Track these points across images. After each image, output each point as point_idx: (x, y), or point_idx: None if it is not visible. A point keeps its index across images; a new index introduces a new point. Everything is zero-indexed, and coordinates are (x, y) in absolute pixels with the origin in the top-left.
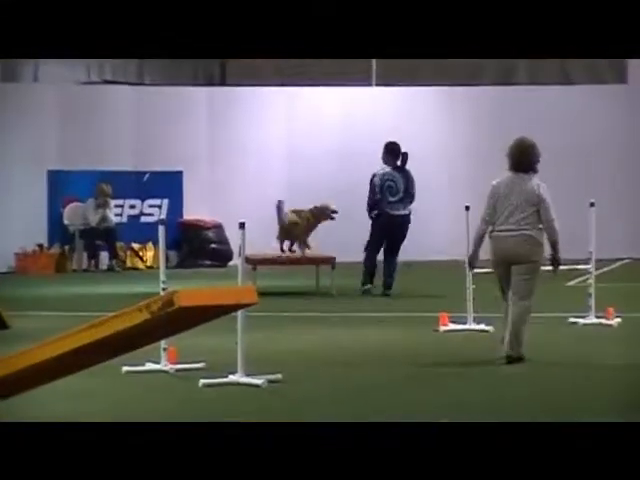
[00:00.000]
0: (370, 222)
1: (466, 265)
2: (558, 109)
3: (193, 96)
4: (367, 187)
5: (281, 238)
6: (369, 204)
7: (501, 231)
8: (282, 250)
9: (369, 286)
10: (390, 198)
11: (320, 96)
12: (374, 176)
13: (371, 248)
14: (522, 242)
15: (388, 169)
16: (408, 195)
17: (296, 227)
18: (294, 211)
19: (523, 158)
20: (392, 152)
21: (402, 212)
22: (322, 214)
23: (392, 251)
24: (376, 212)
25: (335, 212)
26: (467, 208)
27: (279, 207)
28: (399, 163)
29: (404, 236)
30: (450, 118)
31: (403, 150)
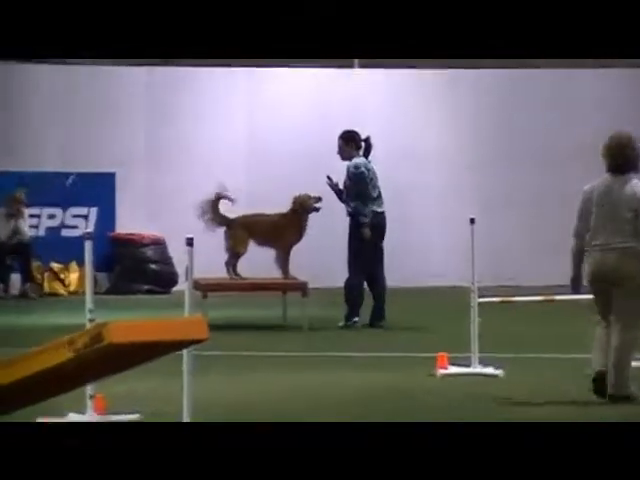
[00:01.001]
0: (362, 230)
1: (571, 288)
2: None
3: (127, 78)
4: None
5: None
6: (363, 203)
7: (598, 246)
8: (232, 273)
9: (357, 319)
10: (373, 193)
11: (290, 80)
12: (359, 166)
13: (357, 265)
14: (625, 258)
15: (363, 159)
16: (379, 189)
17: (267, 228)
18: (254, 215)
19: (621, 157)
20: (355, 141)
21: (382, 209)
22: (303, 207)
23: (376, 261)
24: (370, 211)
25: (319, 199)
26: (472, 221)
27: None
28: (362, 153)
29: (381, 239)
30: (453, 109)
31: (363, 136)
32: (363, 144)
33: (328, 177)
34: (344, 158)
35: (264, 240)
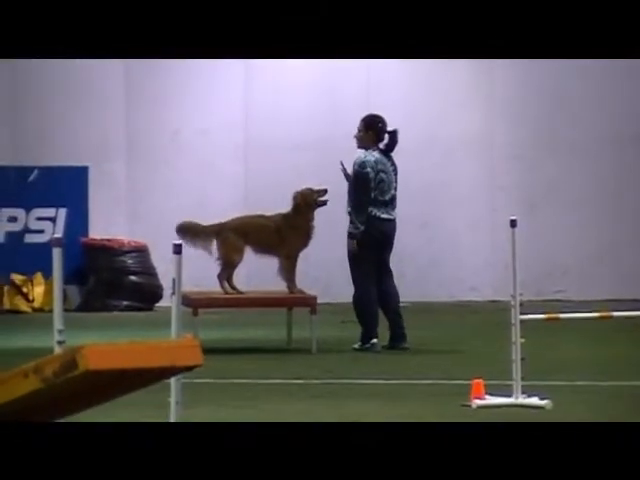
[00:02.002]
0: (354, 241)
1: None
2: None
3: (103, 60)
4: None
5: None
6: (359, 209)
7: None
8: (227, 286)
9: (375, 341)
10: (380, 197)
11: (289, 69)
12: (364, 165)
13: (363, 279)
14: None
15: (377, 155)
16: (396, 194)
17: (266, 233)
18: (250, 217)
19: None
20: (376, 130)
21: (392, 216)
22: (307, 203)
23: (385, 274)
24: (363, 220)
25: (324, 191)
26: (513, 223)
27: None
28: (382, 146)
29: (391, 247)
30: (487, 92)
31: (390, 128)
32: (387, 136)
33: (341, 163)
34: (359, 146)
35: (263, 247)
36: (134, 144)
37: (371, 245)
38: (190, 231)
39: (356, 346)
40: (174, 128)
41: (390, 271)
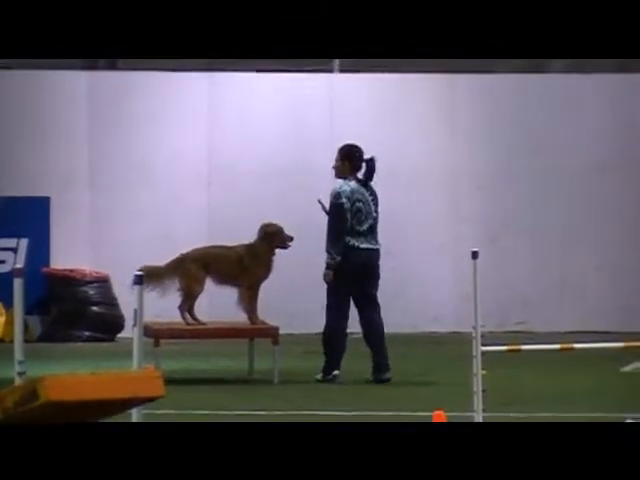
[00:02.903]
0: (329, 272)
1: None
2: (611, 103)
3: (64, 83)
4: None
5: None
6: (334, 240)
7: None
8: (188, 317)
9: (336, 372)
10: (357, 227)
11: (257, 86)
12: (339, 196)
13: (336, 310)
14: None
15: (354, 184)
16: (377, 222)
17: (228, 264)
18: (211, 248)
19: None
20: (352, 159)
21: (372, 245)
22: (274, 238)
23: (369, 304)
24: (339, 250)
25: (291, 238)
26: (475, 255)
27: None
28: (361, 176)
29: (378, 280)
30: (449, 119)
31: (367, 156)
32: (364, 165)
33: (319, 201)
34: (337, 176)
35: (224, 277)
36: (97, 174)
37: (347, 276)
38: (154, 276)
39: (318, 377)
40: (138, 158)
41: (374, 302)
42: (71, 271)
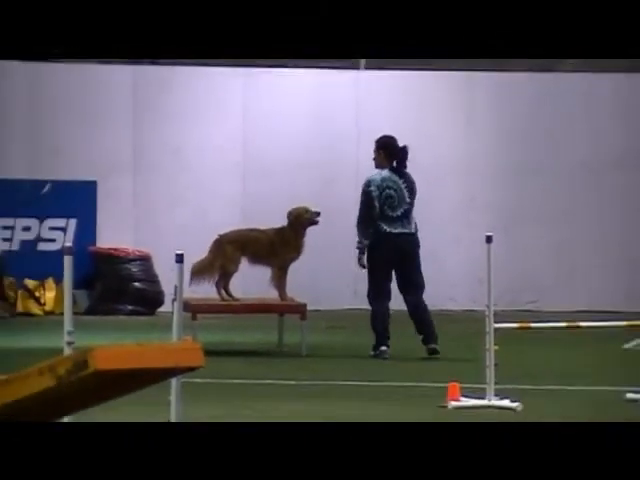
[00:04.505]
0: (361, 256)
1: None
2: (616, 101)
3: (112, 77)
4: (352, 206)
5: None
6: (361, 225)
7: None
8: (223, 293)
9: (384, 348)
10: (390, 213)
11: (288, 82)
12: (369, 184)
13: (375, 292)
14: None
15: (386, 173)
16: (412, 208)
17: (261, 245)
18: (246, 230)
19: None
20: (387, 149)
21: (407, 230)
22: (301, 220)
23: (411, 287)
24: (371, 234)
25: (317, 213)
26: (489, 239)
27: None
28: (395, 164)
29: (417, 261)
30: (466, 113)
31: (401, 145)
32: (400, 153)
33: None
34: (376, 166)
35: (258, 258)
36: (138, 161)
37: (383, 260)
38: (203, 272)
39: (371, 353)
40: (176, 146)
41: (416, 285)
42: (115, 250)
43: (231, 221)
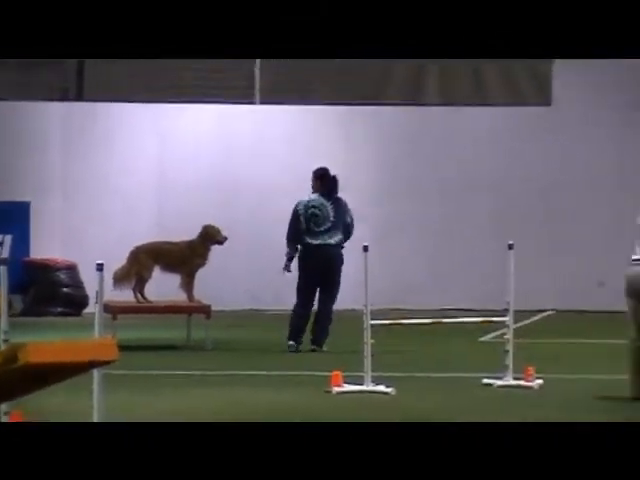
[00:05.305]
0: (288, 263)
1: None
2: (473, 132)
3: (44, 112)
4: (251, 221)
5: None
6: (289, 238)
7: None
8: (139, 297)
9: (291, 343)
10: (315, 228)
11: (195, 115)
12: (297, 205)
13: (298, 295)
14: None
15: (314, 196)
16: (338, 225)
17: (172, 255)
18: (159, 243)
19: None
20: (319, 178)
21: (328, 241)
22: (211, 237)
23: (324, 296)
24: (297, 247)
25: (226, 238)
26: (365, 248)
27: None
28: (331, 191)
29: (336, 273)
30: (349, 142)
31: (333, 174)
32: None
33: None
34: (312, 192)
35: (170, 266)
36: (68, 183)
37: (306, 268)
38: (122, 278)
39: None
40: (99, 170)
41: (328, 294)
42: (46, 260)
43: (148, 235)
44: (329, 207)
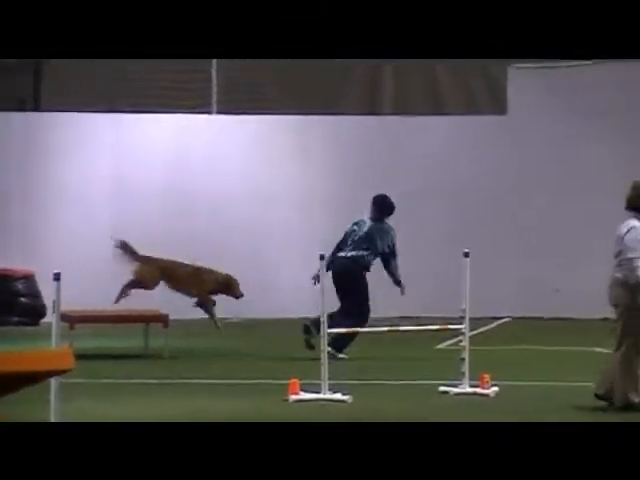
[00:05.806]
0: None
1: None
2: (428, 142)
3: (0, 123)
4: (207, 229)
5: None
6: (331, 253)
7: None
8: (122, 298)
9: (307, 336)
10: (345, 245)
11: (152, 124)
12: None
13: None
14: (612, 285)
15: (364, 217)
16: (364, 243)
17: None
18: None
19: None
20: (371, 203)
21: (345, 254)
22: (230, 288)
23: (342, 304)
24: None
25: (242, 295)
26: (322, 257)
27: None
28: (376, 215)
29: (346, 285)
30: (303, 152)
31: (389, 201)
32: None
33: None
34: (369, 217)
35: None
36: (25, 192)
37: (333, 281)
38: (129, 249)
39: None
40: (56, 183)
41: (341, 303)
42: (4, 270)
43: (107, 245)
44: (366, 225)
